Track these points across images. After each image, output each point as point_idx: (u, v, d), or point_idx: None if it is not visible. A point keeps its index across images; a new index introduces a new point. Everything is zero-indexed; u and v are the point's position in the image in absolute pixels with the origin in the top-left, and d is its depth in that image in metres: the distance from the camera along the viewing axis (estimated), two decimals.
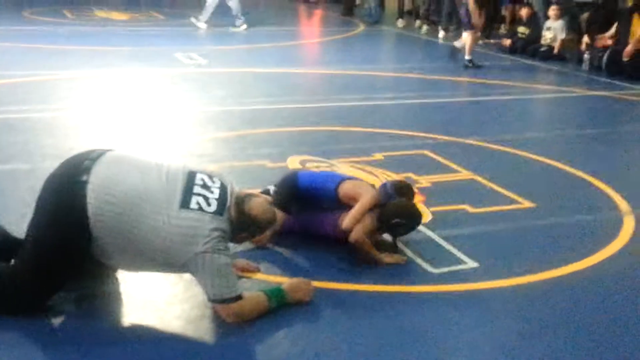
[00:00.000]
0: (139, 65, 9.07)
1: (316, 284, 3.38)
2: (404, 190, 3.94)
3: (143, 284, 3.34)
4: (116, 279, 3.34)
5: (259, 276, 3.51)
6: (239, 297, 2.99)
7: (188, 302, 3.20)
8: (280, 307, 3.14)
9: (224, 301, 2.98)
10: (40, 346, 2.89)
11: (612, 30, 9.98)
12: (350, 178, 4.07)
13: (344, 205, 3.87)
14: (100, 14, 13.65)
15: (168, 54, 9.78)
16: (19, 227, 3.29)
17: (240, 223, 3.12)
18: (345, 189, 3.91)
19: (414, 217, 3.82)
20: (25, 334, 2.92)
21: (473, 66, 9.91)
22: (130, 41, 11.10)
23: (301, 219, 4.02)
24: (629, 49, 9.40)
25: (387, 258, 3.74)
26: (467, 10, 9.84)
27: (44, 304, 3.04)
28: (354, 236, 3.71)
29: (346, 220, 3.75)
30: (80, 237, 2.90)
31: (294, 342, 2.94)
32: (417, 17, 14.66)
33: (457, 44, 10.32)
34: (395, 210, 3.76)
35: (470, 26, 9.92)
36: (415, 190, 4.22)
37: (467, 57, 9.97)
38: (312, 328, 3.08)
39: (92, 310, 3.12)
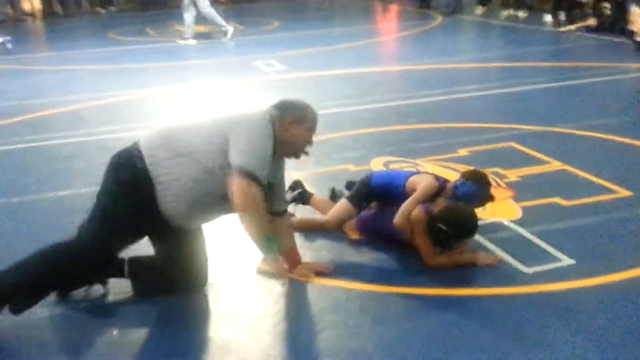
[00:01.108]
0: (220, 76, 9.24)
1: (401, 289, 3.34)
2: (473, 177, 3.81)
3: (232, 298, 3.38)
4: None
5: (332, 282, 3.48)
6: (261, 185, 3.05)
7: (276, 316, 3.21)
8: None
9: (247, 175, 3.02)
10: None
11: None
12: (421, 173, 4.00)
13: None
14: (181, 28, 13.96)
15: (247, 63, 9.91)
16: None
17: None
18: (411, 181, 3.84)
19: (461, 227, 3.56)
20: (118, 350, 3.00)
21: None
22: (211, 53, 11.33)
23: (373, 217, 3.98)
24: None
25: (483, 257, 3.59)
26: None
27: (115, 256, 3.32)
28: (395, 220, 3.65)
29: (397, 214, 3.69)
30: (143, 186, 3.11)
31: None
32: (506, 2, 14.26)
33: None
34: (442, 215, 3.56)
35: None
36: (492, 179, 4.05)
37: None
38: (411, 337, 3.02)
39: (183, 324, 3.18)
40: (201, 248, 3.41)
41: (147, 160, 3.13)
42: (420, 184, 3.76)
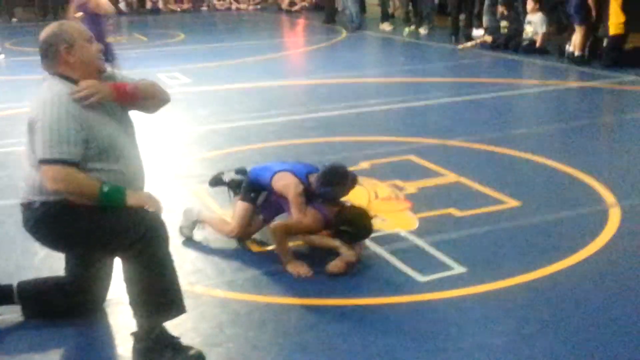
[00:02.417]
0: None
1: (300, 301, 3.40)
2: (327, 181, 3.94)
3: (129, 314, 3.35)
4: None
5: (232, 295, 3.52)
6: (71, 162, 2.86)
7: (175, 329, 3.21)
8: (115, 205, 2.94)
9: (49, 162, 2.85)
10: None
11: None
12: (284, 170, 4.09)
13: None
14: None
15: (150, 76, 9.74)
16: (5, 265, 3.29)
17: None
18: (275, 180, 4.04)
19: (362, 230, 3.88)
20: None
21: (583, 61, 9.67)
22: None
23: (268, 212, 4.20)
24: (612, 32, 9.34)
25: (292, 266, 3.76)
26: (581, 2, 9.51)
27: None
28: (271, 225, 3.92)
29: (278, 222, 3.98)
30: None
31: None
32: (408, 20, 14.67)
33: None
34: (347, 218, 3.86)
35: (583, 20, 9.59)
36: (352, 176, 4.08)
37: (578, 52, 9.69)
38: (310, 348, 3.08)
39: (81, 343, 3.12)
40: (109, 266, 3.35)
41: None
42: (288, 188, 3.96)
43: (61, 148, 2.84)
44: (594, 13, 9.63)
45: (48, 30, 3.10)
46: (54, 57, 3.04)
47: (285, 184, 3.98)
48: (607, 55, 9.50)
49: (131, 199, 2.96)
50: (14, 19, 17.62)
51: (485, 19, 12.09)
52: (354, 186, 4.09)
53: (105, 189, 2.91)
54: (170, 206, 4.80)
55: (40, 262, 3.91)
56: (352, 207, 4.02)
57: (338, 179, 3.97)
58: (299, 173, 4.03)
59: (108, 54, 7.82)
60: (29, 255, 3.97)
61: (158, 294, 2.93)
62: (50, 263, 3.73)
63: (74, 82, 3.02)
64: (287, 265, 3.80)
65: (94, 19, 8.46)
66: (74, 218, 2.95)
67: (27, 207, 3.03)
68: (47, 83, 3.06)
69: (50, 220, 2.98)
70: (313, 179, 4.00)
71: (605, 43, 9.62)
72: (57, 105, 2.90)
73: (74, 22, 3.22)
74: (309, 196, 3.98)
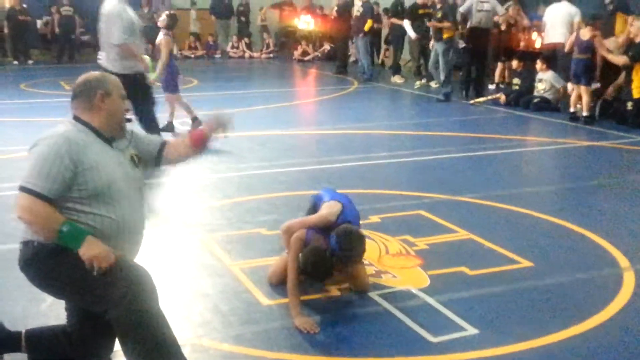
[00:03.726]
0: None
1: (308, 358, 3.33)
2: (341, 239, 3.95)
3: None
4: None
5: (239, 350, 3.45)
6: (43, 197, 2.89)
7: None
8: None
9: (23, 189, 2.91)
10: None
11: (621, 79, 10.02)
12: (336, 202, 4.30)
13: None
14: None
15: (162, 122, 9.82)
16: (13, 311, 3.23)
17: None
18: (323, 205, 4.31)
19: (312, 269, 3.92)
20: None
21: (592, 121, 9.82)
22: None
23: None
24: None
25: (299, 321, 3.76)
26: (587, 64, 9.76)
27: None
28: (282, 225, 4.26)
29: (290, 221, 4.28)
30: None
31: None
32: (419, 73, 14.80)
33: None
34: (305, 252, 3.95)
35: (589, 81, 9.80)
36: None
37: (586, 112, 9.81)
38: None
39: None
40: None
41: None
42: (323, 210, 4.17)
43: (40, 181, 2.90)
44: (598, 74, 9.78)
45: (91, 74, 3.23)
46: (88, 98, 3.13)
47: (326, 209, 4.20)
48: (630, 117, 9.54)
49: (84, 249, 2.89)
50: (30, 61, 17.86)
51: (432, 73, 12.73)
52: (362, 254, 4.10)
53: (65, 228, 2.89)
54: (178, 255, 4.78)
55: (47, 309, 3.86)
56: (316, 250, 3.97)
57: (348, 244, 3.95)
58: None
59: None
60: (36, 301, 3.92)
61: (151, 350, 2.88)
62: (57, 310, 3.67)
63: (91, 129, 3.09)
64: (295, 319, 3.77)
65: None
66: (57, 263, 2.95)
67: (24, 245, 3.06)
68: (65, 123, 3.14)
69: (36, 261, 3.00)
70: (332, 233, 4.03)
71: (629, 106, 9.63)
72: (56, 141, 2.97)
73: (115, 77, 3.30)
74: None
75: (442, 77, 12.24)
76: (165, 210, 5.76)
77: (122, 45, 6.95)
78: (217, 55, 19.90)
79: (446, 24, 12.00)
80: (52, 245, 2.93)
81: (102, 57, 7.20)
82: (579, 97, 9.96)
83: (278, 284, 4.25)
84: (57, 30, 17.90)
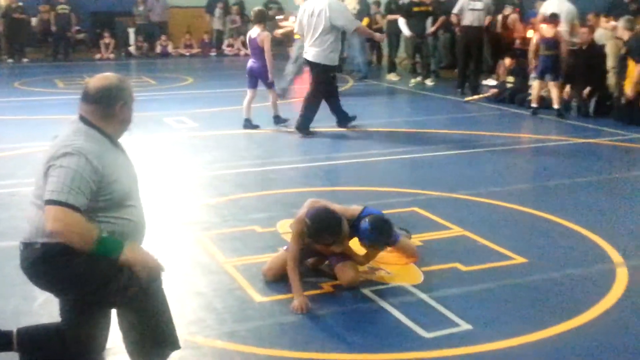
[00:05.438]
0: (129, 132, 9.10)
1: (302, 354, 3.33)
2: (373, 223, 4.18)
3: None
4: None
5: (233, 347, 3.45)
6: (75, 207, 2.85)
7: None
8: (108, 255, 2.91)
9: (54, 202, 2.84)
10: None
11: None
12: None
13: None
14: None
15: (157, 119, 9.81)
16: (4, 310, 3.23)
17: None
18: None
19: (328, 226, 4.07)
20: None
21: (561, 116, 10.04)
22: None
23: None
24: (630, 93, 9.46)
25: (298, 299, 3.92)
26: (555, 60, 10.05)
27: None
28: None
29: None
30: None
31: None
32: (414, 71, 14.82)
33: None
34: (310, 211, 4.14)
35: (556, 77, 10.08)
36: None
37: (557, 106, 10.05)
38: None
39: None
40: (106, 316, 3.29)
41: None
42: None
43: (69, 194, 2.85)
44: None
45: (110, 79, 3.17)
46: (107, 107, 3.10)
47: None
48: (622, 112, 9.60)
49: (126, 255, 2.93)
50: (25, 59, 17.82)
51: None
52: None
53: (104, 235, 2.91)
54: (173, 253, 4.78)
55: (40, 308, 3.86)
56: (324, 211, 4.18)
57: (380, 228, 4.20)
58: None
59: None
60: (28, 300, 3.92)
61: (155, 338, 3.01)
62: (50, 309, 3.66)
63: (104, 134, 3.11)
64: (295, 296, 3.92)
65: (261, 54, 9.11)
66: (70, 261, 2.93)
67: (26, 246, 3.02)
68: (74, 127, 3.10)
69: (46, 261, 2.97)
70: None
71: (621, 102, 9.68)
72: (78, 154, 2.92)
73: (128, 80, 3.28)
74: None
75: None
76: (160, 207, 5.76)
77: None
78: (213, 53, 19.86)
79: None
80: (61, 244, 2.90)
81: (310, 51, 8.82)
82: (541, 93, 10.33)
83: (272, 280, 4.26)
84: (53, 28, 17.83)
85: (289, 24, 12.27)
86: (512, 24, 12.76)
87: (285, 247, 4.41)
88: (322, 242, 4.09)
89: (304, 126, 8.95)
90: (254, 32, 9.20)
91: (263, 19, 9.35)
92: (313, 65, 9.06)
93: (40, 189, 2.98)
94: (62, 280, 3.00)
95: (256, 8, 9.71)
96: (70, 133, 3.06)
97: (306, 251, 4.26)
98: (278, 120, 9.58)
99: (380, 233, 4.20)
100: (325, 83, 9.15)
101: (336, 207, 4.30)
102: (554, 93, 10.11)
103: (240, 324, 3.77)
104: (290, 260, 4.05)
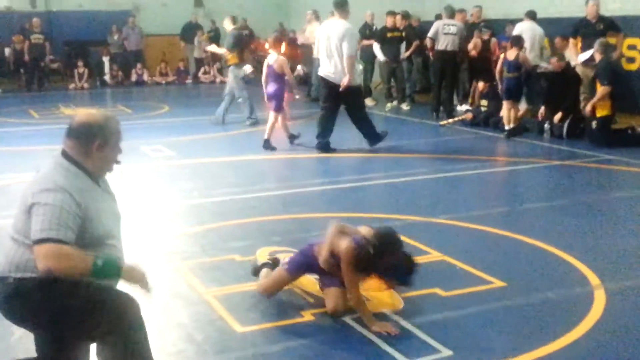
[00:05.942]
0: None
1: None
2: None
3: None
4: None
5: None
6: (64, 242, 2.85)
7: None
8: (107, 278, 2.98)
9: (43, 240, 2.83)
10: None
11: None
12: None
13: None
14: (67, 111, 13.69)
15: (134, 148, 9.76)
16: None
17: None
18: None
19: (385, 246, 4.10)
20: None
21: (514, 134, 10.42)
22: None
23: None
24: (588, 108, 9.67)
25: (378, 326, 3.93)
26: (518, 82, 10.45)
27: None
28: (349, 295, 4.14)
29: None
30: None
31: None
32: (390, 95, 14.92)
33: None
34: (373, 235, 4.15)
35: (509, 97, 10.50)
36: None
37: (508, 126, 10.47)
38: None
39: None
40: (86, 349, 3.24)
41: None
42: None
43: (58, 231, 2.85)
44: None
45: (94, 116, 3.18)
46: (85, 144, 3.10)
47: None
48: (595, 135, 9.73)
49: (126, 276, 3.00)
50: None
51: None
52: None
53: (100, 262, 2.89)
54: (152, 284, 4.72)
55: (15, 343, 3.79)
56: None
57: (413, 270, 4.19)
58: None
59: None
60: (2, 336, 3.85)
61: None
62: (27, 344, 3.60)
63: (84, 170, 3.10)
64: (373, 326, 3.93)
65: (277, 78, 9.95)
66: (46, 296, 2.90)
67: (0, 280, 2.97)
68: (55, 161, 3.09)
69: (20, 296, 2.93)
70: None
71: (594, 125, 9.81)
72: (61, 190, 2.92)
73: (117, 119, 3.27)
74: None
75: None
76: (139, 238, 5.71)
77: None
78: (189, 81, 19.86)
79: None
80: (37, 279, 2.88)
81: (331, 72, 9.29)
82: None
83: (265, 296, 4.34)
84: (26, 57, 17.70)
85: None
86: (493, 47, 12.92)
87: (285, 265, 4.42)
88: (380, 263, 4.04)
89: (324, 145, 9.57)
90: (272, 58, 9.55)
91: (279, 44, 9.80)
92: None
93: (21, 223, 2.96)
94: (36, 315, 2.97)
95: (272, 34, 10.24)
96: (51, 168, 3.06)
97: (306, 268, 4.33)
98: (267, 145, 9.72)
99: (413, 273, 4.17)
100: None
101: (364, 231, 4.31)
102: (512, 113, 10.48)
103: (221, 355, 3.74)
104: (354, 292, 4.04)
